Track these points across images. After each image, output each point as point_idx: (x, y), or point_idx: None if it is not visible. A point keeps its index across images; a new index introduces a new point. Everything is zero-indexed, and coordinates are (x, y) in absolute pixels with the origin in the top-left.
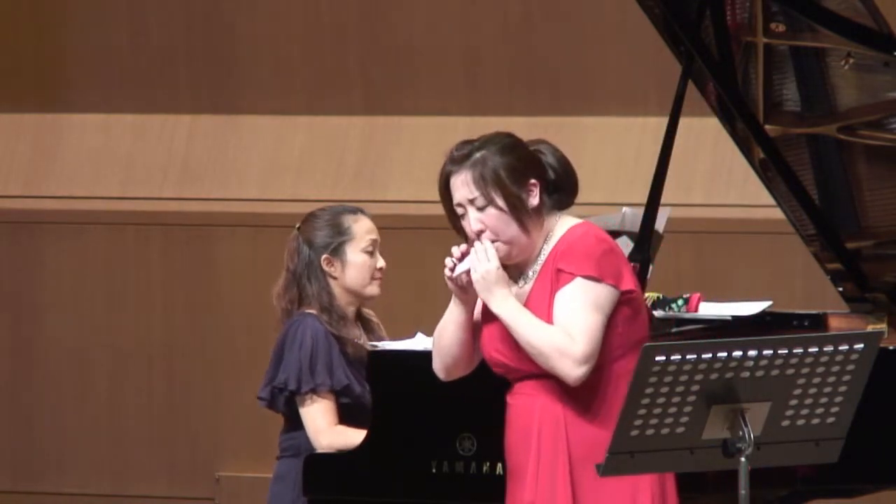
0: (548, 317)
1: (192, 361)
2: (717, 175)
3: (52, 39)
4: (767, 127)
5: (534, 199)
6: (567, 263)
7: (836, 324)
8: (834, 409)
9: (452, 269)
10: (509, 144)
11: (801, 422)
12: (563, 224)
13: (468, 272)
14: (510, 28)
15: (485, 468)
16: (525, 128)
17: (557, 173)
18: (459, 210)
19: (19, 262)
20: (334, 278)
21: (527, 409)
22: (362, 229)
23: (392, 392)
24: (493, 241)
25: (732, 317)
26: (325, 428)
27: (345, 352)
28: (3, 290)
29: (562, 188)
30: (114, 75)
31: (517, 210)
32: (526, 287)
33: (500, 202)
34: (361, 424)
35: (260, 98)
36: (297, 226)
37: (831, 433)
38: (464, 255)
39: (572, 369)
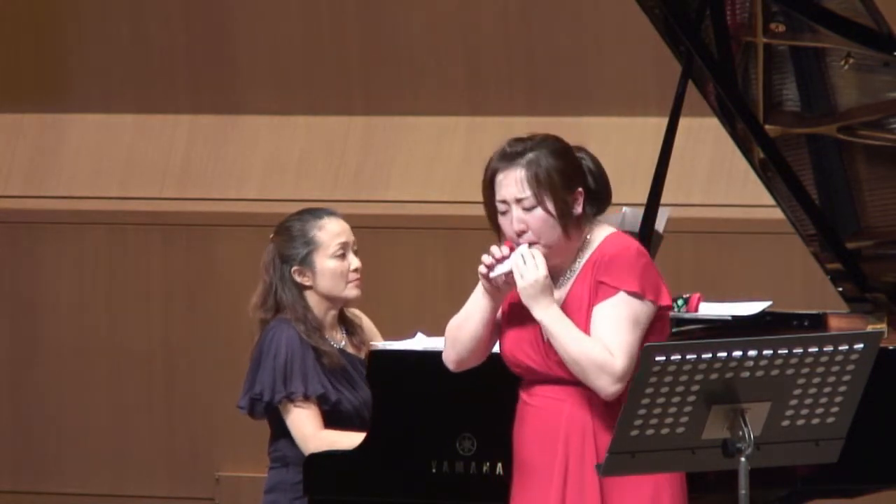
0: (584, 327)
1: (192, 361)
2: (717, 175)
3: (52, 39)
4: (767, 127)
5: (578, 208)
6: (610, 277)
7: (836, 324)
8: (834, 409)
9: (490, 268)
10: (561, 149)
11: (801, 422)
12: (598, 232)
13: (508, 274)
14: (510, 28)
15: (485, 468)
16: (525, 128)
17: (596, 181)
18: (502, 207)
19: (19, 262)
20: (308, 287)
21: (552, 413)
22: (328, 235)
23: (392, 392)
24: (531, 244)
25: (732, 317)
26: (312, 434)
27: (321, 361)
28: (3, 290)
29: (599, 196)
30: (114, 75)
31: (564, 216)
32: (560, 293)
33: (550, 206)
34: (344, 429)
35: (260, 98)
36: (271, 236)
37: (831, 433)
38: (503, 257)
39: (609, 385)
